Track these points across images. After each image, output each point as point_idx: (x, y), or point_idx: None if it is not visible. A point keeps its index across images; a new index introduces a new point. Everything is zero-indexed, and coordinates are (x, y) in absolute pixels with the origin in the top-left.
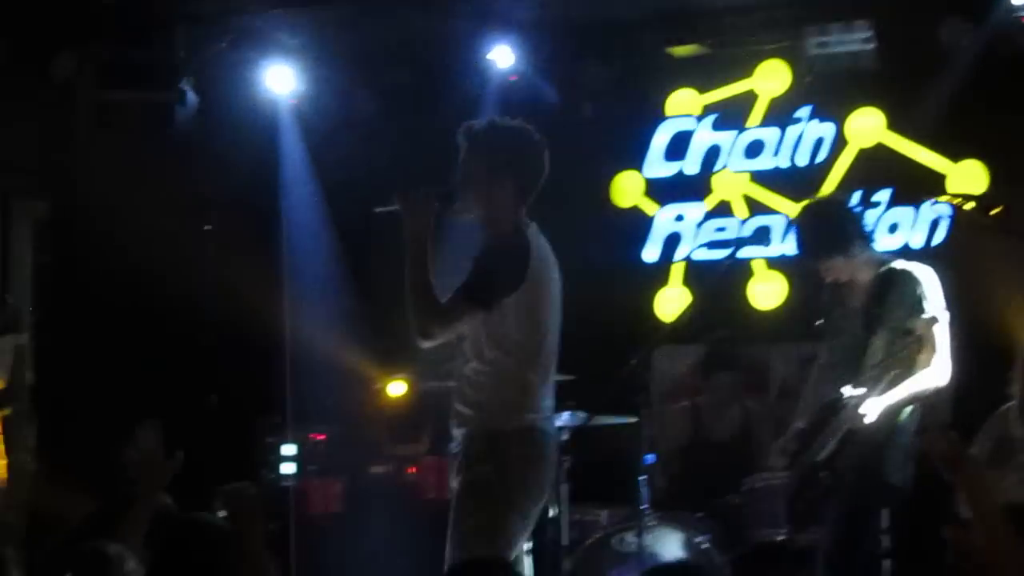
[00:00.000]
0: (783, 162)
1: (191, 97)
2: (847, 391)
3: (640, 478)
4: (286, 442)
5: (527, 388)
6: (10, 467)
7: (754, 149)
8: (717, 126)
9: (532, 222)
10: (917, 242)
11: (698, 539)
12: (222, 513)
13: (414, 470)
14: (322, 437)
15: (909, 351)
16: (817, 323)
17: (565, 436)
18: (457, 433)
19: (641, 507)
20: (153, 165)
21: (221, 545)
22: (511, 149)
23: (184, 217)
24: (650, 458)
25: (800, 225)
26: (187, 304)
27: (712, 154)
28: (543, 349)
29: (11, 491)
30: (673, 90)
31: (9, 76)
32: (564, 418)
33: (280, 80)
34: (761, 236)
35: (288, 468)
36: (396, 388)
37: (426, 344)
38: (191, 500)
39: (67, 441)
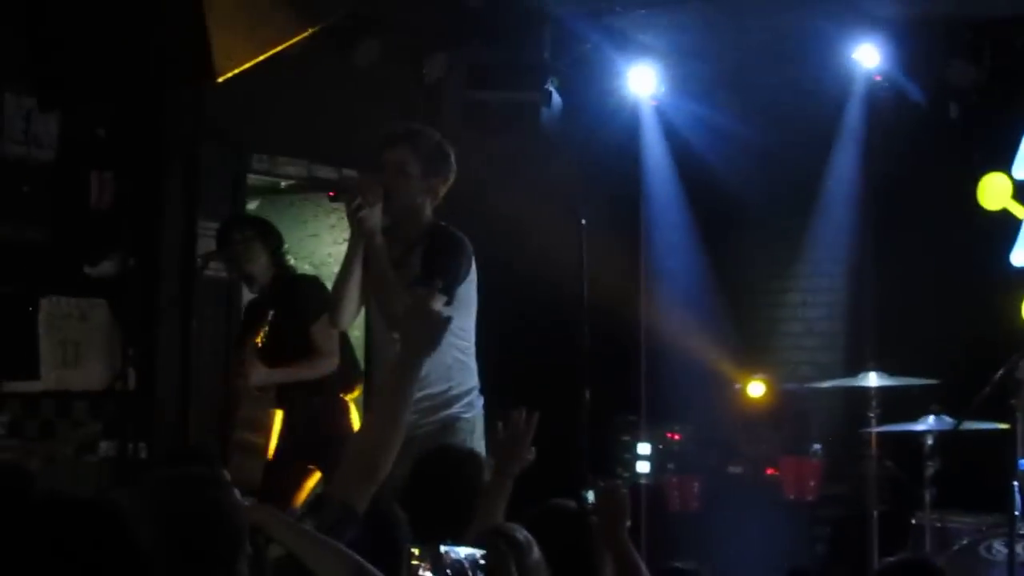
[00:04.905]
0: None
1: (556, 98)
2: None
3: (1013, 483)
4: (641, 440)
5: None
6: None
7: None
8: None
9: None
10: None
11: None
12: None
13: (773, 471)
14: (677, 436)
15: None
16: None
17: (929, 441)
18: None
19: (1014, 513)
20: (520, 164)
21: (588, 534)
22: (444, 154)
23: (552, 214)
24: None
25: None
26: (555, 297)
27: None
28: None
29: None
30: None
31: (381, 76)
32: (929, 422)
33: (642, 81)
34: None
35: (643, 467)
36: (755, 388)
37: None
38: (563, 491)
39: None
